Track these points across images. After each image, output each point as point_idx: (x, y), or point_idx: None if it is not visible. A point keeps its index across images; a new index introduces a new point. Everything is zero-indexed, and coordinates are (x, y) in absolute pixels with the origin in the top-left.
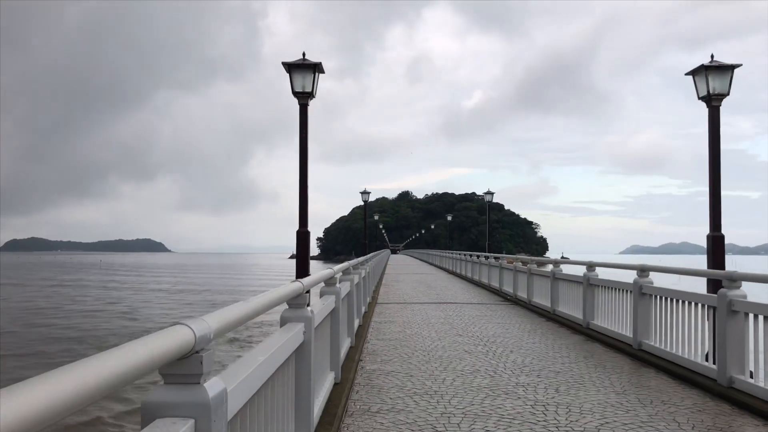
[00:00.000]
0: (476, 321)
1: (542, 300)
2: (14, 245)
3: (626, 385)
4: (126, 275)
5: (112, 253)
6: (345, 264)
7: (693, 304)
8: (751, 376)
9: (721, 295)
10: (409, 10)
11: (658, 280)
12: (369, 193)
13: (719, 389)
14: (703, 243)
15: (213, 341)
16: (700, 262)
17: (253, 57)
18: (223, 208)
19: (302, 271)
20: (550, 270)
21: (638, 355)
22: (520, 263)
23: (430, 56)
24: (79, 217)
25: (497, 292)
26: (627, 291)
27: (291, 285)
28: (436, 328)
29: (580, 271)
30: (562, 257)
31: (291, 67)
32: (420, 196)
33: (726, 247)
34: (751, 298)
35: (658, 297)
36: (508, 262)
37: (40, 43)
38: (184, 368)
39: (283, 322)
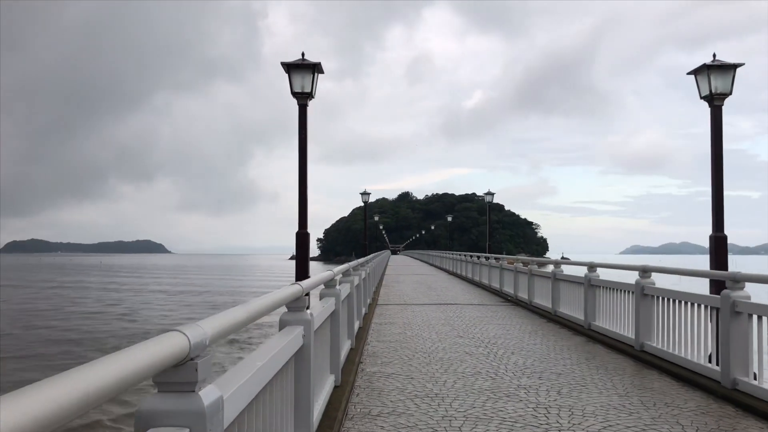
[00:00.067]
0: (477, 322)
1: (543, 301)
2: (14, 247)
3: (629, 387)
4: (126, 276)
5: (112, 255)
6: (345, 266)
7: (695, 305)
8: (755, 378)
9: (725, 296)
10: (409, 10)
11: (658, 280)
12: (369, 194)
13: (723, 391)
14: (704, 243)
15: (209, 347)
16: (701, 262)
17: (253, 57)
18: (223, 209)
19: (302, 272)
20: (550, 271)
21: (640, 357)
22: (521, 264)
23: (430, 56)
24: (79, 219)
25: (498, 293)
26: (629, 292)
27: (290, 288)
28: (437, 329)
29: (580, 271)
30: (562, 257)
31: (290, 68)
32: (420, 196)
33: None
34: (754, 299)
35: (660, 298)
36: (508, 263)
37: (40, 43)
38: (178, 376)
39: (282, 325)
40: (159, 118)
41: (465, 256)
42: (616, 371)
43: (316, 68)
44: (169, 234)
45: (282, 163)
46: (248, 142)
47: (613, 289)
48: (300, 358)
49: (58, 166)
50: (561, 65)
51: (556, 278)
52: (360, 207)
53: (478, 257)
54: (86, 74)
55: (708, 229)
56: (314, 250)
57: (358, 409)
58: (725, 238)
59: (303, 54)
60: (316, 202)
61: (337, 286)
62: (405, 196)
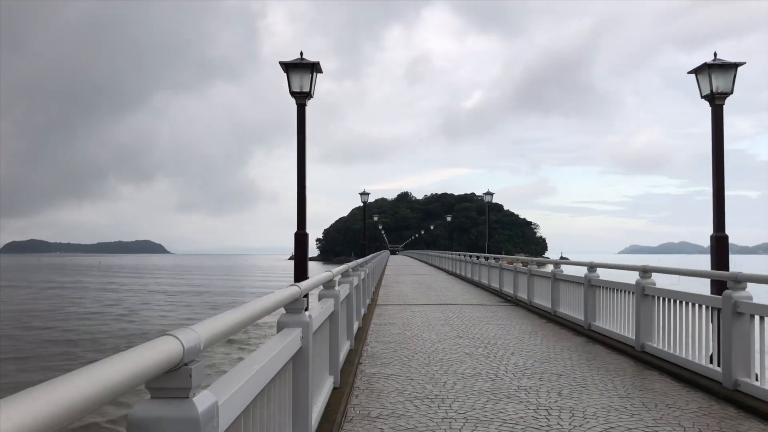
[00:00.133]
0: (477, 323)
1: (543, 301)
2: (14, 247)
3: (630, 388)
4: (125, 277)
5: (111, 255)
6: (344, 266)
7: (696, 305)
8: (757, 379)
9: (726, 296)
10: (408, 10)
11: (657, 280)
12: (368, 194)
13: (724, 392)
14: (702, 242)
15: (203, 352)
16: (700, 261)
17: (252, 58)
18: (223, 209)
19: (301, 273)
20: (550, 271)
21: (641, 357)
22: (521, 264)
23: (430, 57)
24: (79, 219)
25: (497, 293)
26: (629, 292)
27: (288, 289)
28: (436, 330)
29: (580, 271)
30: (562, 257)
31: (288, 67)
32: (419, 196)
33: None
34: (755, 300)
35: (661, 298)
36: (507, 263)
37: (39, 44)
38: (171, 382)
39: (280, 327)
40: (159, 118)
41: (464, 256)
42: (617, 372)
43: (314, 67)
44: (168, 234)
45: (282, 163)
46: (248, 143)
47: (614, 289)
48: (298, 361)
49: (57, 166)
50: (560, 65)
51: (556, 278)
52: (359, 207)
53: (478, 257)
54: (86, 74)
55: (706, 229)
56: (313, 250)
57: (358, 411)
58: (726, 237)
59: (301, 53)
60: (315, 203)
61: (336, 287)
62: (404, 196)
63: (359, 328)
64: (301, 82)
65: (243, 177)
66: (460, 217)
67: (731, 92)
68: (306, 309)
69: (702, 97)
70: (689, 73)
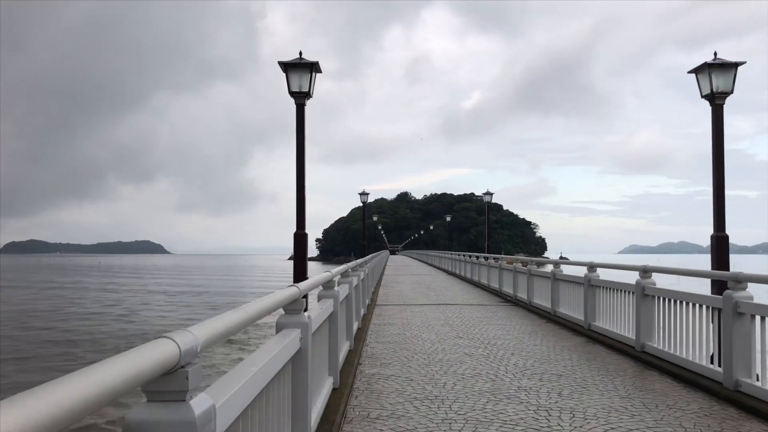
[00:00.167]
0: (476, 323)
1: (543, 301)
2: (13, 247)
3: (630, 388)
4: (125, 277)
5: (111, 255)
6: (343, 266)
7: (697, 305)
8: (758, 380)
9: (727, 296)
10: (408, 10)
11: (657, 280)
12: (368, 194)
13: (725, 393)
14: (702, 242)
15: (200, 354)
16: (699, 261)
17: (252, 58)
18: (223, 210)
19: (300, 273)
20: (550, 271)
21: (641, 358)
22: (520, 264)
23: (429, 57)
24: (79, 219)
25: (497, 293)
26: (629, 292)
27: (287, 290)
28: (436, 330)
29: (580, 271)
30: (561, 257)
31: (287, 67)
32: (419, 196)
33: None
34: (756, 300)
35: (661, 298)
36: (507, 263)
37: (39, 44)
38: (168, 385)
39: (279, 328)
40: (158, 118)
41: (464, 256)
42: (618, 372)
43: (313, 67)
44: (168, 234)
45: (281, 163)
46: (247, 143)
47: (614, 289)
48: (297, 362)
49: (57, 166)
50: (560, 65)
51: (556, 278)
52: (359, 207)
53: (477, 257)
54: (86, 74)
55: (706, 229)
56: (313, 250)
57: (357, 412)
58: (727, 237)
59: (300, 53)
60: (315, 203)
61: (336, 288)
62: (404, 196)
63: (359, 329)
64: (300, 82)
65: (243, 177)
66: (459, 217)
67: (731, 92)
68: (305, 310)
69: (702, 96)
70: (689, 72)
